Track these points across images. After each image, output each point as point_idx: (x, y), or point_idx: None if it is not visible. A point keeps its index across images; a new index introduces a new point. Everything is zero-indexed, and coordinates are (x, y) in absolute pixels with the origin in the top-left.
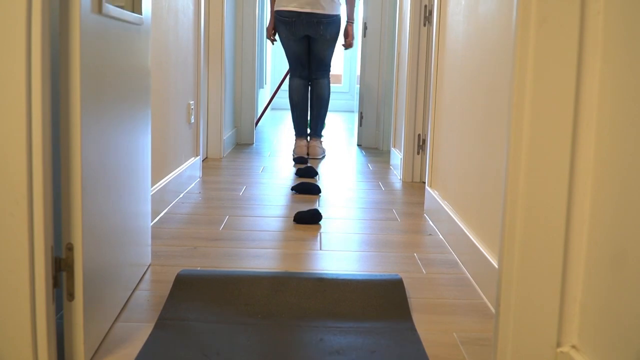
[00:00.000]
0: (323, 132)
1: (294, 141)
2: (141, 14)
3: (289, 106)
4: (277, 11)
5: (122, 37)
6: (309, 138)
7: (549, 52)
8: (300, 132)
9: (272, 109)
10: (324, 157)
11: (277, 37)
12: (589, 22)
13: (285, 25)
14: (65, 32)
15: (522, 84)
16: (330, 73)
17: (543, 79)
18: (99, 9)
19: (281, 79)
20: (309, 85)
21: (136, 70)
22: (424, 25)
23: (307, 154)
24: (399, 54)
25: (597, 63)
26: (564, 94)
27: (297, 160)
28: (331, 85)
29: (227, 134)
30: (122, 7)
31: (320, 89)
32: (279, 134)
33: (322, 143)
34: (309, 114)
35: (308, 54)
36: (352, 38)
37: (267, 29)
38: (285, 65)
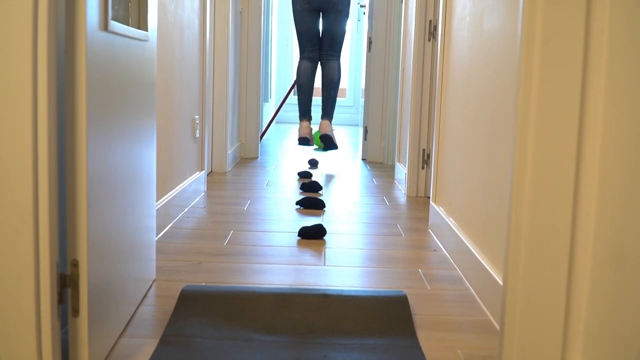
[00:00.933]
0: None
1: (299, 120)
2: (147, 30)
3: (294, 120)
4: None
5: (128, 53)
6: (320, 119)
7: (553, 70)
8: (304, 114)
9: (277, 122)
10: (335, 147)
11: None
12: (593, 40)
13: None
14: (72, 49)
15: (526, 102)
16: (341, 58)
17: (548, 97)
18: (105, 26)
19: (286, 93)
20: (316, 68)
21: (141, 86)
22: (429, 40)
23: (311, 142)
24: (403, 68)
25: (601, 81)
26: (568, 111)
27: (301, 141)
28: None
29: (232, 148)
30: (127, 24)
31: (332, 72)
32: (283, 148)
33: (333, 131)
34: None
35: (319, 35)
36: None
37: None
38: (289, 80)
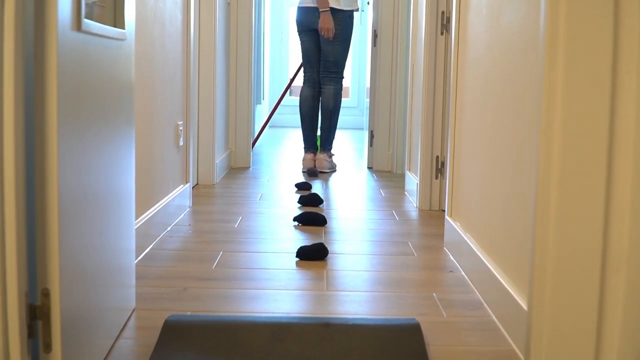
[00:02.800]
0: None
1: (303, 154)
2: (124, 28)
3: (290, 123)
4: (297, 7)
5: (103, 54)
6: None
7: (580, 71)
8: (307, 146)
9: (271, 126)
10: (333, 171)
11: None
12: (623, 38)
13: (298, 18)
14: (41, 53)
15: (551, 107)
16: (343, 80)
17: (574, 101)
18: (77, 26)
19: (281, 93)
20: (318, 94)
21: (119, 91)
22: (441, 33)
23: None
24: (413, 65)
25: (633, 82)
26: (597, 116)
27: (308, 172)
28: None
29: (220, 157)
30: (102, 22)
31: (328, 99)
32: (279, 156)
33: (332, 157)
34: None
35: (318, 55)
36: (327, 29)
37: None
38: (284, 78)
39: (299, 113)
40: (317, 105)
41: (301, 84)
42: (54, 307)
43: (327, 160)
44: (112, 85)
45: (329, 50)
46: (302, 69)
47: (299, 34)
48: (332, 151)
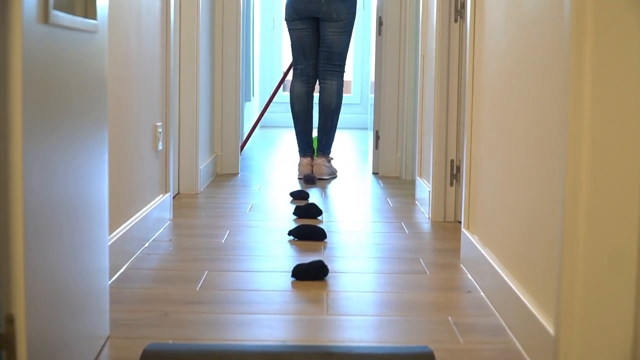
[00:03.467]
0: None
1: (298, 159)
2: (95, 19)
3: (283, 122)
4: None
5: (73, 49)
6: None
7: (610, 68)
8: (303, 150)
9: (263, 127)
10: (333, 178)
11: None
12: None
13: (292, 3)
14: (4, 48)
15: (578, 107)
16: (344, 75)
17: (604, 101)
18: (45, 18)
19: (274, 88)
20: (312, 90)
21: (90, 88)
22: (455, 21)
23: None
24: (424, 56)
25: None
26: (630, 117)
27: (304, 179)
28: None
29: (205, 162)
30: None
31: (329, 96)
32: (272, 160)
33: (332, 161)
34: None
35: (315, 46)
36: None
37: None
38: (277, 72)
39: (290, 112)
40: (312, 104)
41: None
42: (19, 335)
43: (326, 166)
44: (83, 83)
45: (335, 41)
46: (284, 82)
47: (290, 22)
48: (332, 155)
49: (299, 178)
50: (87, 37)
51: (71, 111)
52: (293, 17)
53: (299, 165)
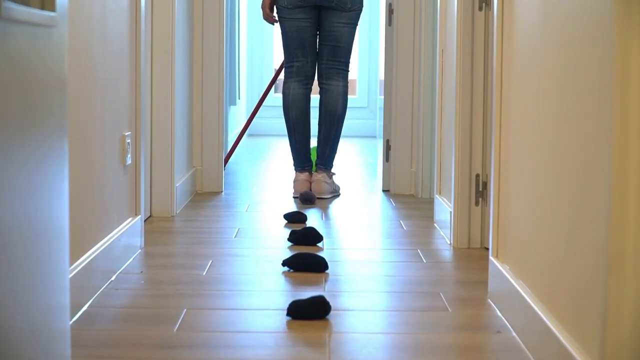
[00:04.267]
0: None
1: (294, 175)
2: (54, 11)
3: (274, 130)
4: None
5: (28, 45)
6: (315, 169)
7: None
8: (300, 164)
9: (250, 135)
10: (336, 196)
11: (275, 13)
12: None
13: None
14: None
15: (624, 110)
16: (349, 74)
17: None
18: None
19: (264, 90)
20: (310, 92)
21: (47, 91)
22: (480, 9)
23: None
24: (442, 50)
25: None
26: None
27: (301, 198)
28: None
29: (182, 178)
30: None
31: (334, 99)
32: (261, 176)
33: (334, 177)
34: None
35: (315, 40)
36: None
37: (263, 2)
38: (267, 72)
39: (284, 118)
40: (309, 108)
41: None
42: None
43: (327, 182)
44: (40, 86)
45: (343, 34)
46: (275, 83)
47: (288, 9)
48: (334, 169)
49: (294, 197)
50: (44, 31)
51: (25, 118)
52: (296, 3)
53: (294, 182)
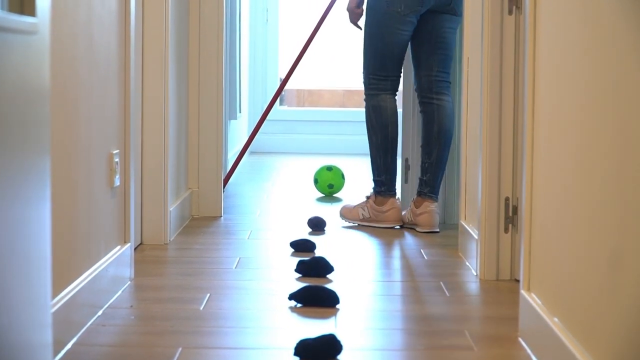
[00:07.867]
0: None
1: (373, 199)
2: (34, 16)
3: (277, 147)
4: None
5: (7, 54)
6: (417, 195)
7: None
8: (394, 187)
9: (252, 152)
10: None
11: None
12: None
13: None
14: None
15: None
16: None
17: None
18: None
19: (269, 102)
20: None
21: (27, 105)
22: (510, 12)
23: (408, 222)
24: (467, 59)
25: None
26: None
27: (311, 224)
28: (347, 107)
29: (176, 202)
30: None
31: (445, 117)
32: (265, 198)
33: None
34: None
35: (404, 53)
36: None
37: (350, 4)
38: (271, 84)
39: (375, 136)
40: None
41: (369, 96)
42: None
43: (438, 214)
44: (19, 99)
45: (451, 41)
46: (281, 94)
47: (403, 16)
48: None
49: (385, 227)
50: (24, 39)
51: (3, 136)
52: (416, 8)
53: (384, 210)
